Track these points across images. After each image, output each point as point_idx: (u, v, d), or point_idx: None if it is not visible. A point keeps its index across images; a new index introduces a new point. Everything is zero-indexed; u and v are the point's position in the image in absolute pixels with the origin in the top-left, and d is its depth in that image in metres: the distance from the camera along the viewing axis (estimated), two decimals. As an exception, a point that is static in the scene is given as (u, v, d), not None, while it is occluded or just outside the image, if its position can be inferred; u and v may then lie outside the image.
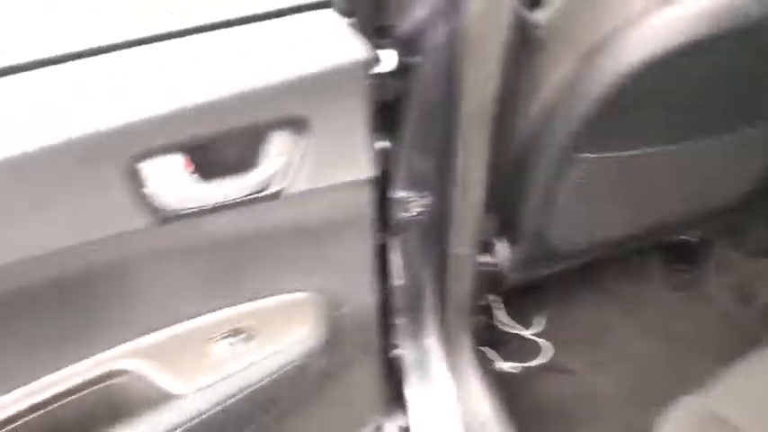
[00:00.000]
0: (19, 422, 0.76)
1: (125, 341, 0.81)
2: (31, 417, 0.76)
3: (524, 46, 1.10)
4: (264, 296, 0.90)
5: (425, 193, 1.15)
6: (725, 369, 1.01)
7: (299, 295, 0.92)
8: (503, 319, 1.63)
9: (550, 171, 1.20)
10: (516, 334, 1.63)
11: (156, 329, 0.83)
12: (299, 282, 0.92)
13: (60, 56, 0.70)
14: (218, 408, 0.82)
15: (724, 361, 1.02)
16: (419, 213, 1.16)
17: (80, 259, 0.71)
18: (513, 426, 1.29)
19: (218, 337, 0.86)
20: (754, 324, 1.60)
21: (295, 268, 0.90)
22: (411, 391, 1.32)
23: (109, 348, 0.81)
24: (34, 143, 0.63)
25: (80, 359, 0.79)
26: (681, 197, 1.33)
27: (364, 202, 0.89)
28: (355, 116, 0.83)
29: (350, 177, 0.85)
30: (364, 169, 0.86)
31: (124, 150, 0.68)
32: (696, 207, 1.38)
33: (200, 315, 0.86)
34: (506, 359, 1.56)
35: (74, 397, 0.79)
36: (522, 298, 1.61)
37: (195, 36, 0.76)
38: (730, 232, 1.74)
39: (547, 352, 1.59)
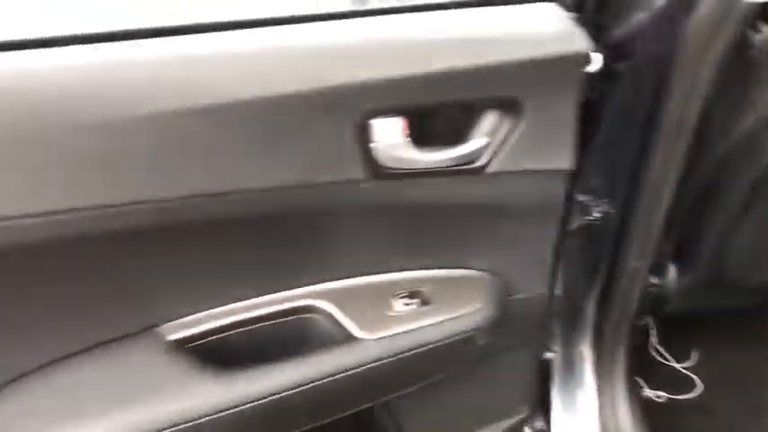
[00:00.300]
0: (222, 335, 0.85)
1: (321, 282, 0.89)
2: (232, 332, 0.86)
3: (736, 65, 1.07)
4: (447, 267, 0.94)
5: (607, 200, 1.16)
6: None
7: (478, 273, 0.96)
8: (657, 346, 1.58)
9: (742, 197, 1.16)
10: (667, 364, 1.58)
11: (348, 277, 0.90)
12: (481, 260, 0.96)
13: (324, 14, 0.78)
14: (393, 359, 0.87)
15: None
16: (597, 219, 1.16)
17: (299, 198, 0.79)
18: None
19: (398, 296, 0.91)
20: None
21: (479, 246, 0.94)
22: (556, 396, 1.32)
23: (306, 286, 0.88)
24: (287, 87, 0.72)
25: (281, 290, 0.87)
26: None
27: (558, 193, 0.92)
28: (566, 106, 0.85)
29: (550, 166, 0.88)
30: (565, 160, 0.88)
31: (360, 105, 0.75)
32: None
33: (386, 272, 0.92)
34: (652, 387, 1.51)
35: (271, 322, 0.87)
36: (677, 329, 1.56)
37: (435, 12, 0.82)
38: None
39: (696, 388, 1.53)
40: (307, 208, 0.81)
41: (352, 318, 0.88)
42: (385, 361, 0.87)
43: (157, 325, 0.83)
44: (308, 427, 0.92)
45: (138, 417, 0.78)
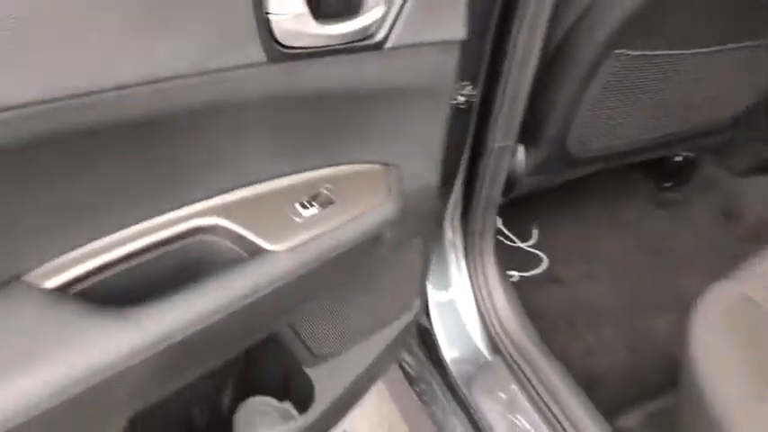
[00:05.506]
0: (110, 272, 0.70)
1: (210, 196, 0.76)
2: (117, 268, 0.70)
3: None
4: (346, 162, 0.86)
5: (470, 83, 1.14)
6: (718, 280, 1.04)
7: (377, 166, 0.89)
8: (501, 227, 1.65)
9: (584, 68, 1.20)
10: (513, 245, 1.66)
11: (241, 186, 0.78)
12: (379, 151, 0.88)
13: None
14: (308, 268, 0.78)
15: (710, 275, 1.05)
16: (462, 103, 1.14)
17: (183, 92, 0.64)
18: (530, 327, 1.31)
19: (300, 200, 0.82)
20: (739, 240, 1.70)
21: (377, 136, 0.87)
22: (431, 290, 1.32)
23: (194, 202, 0.75)
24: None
25: (165, 211, 0.73)
26: (696, 107, 1.38)
27: (450, 66, 0.86)
28: None
29: (445, 36, 0.82)
30: (456, 30, 0.83)
31: None
32: (703, 119, 1.43)
33: (284, 175, 0.81)
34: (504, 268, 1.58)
35: (162, 250, 0.73)
36: (515, 209, 1.64)
37: None
38: (715, 151, 1.82)
39: (542, 263, 1.63)
40: (192, 104, 0.67)
41: (259, 229, 0.77)
42: (300, 273, 0.78)
43: (23, 274, 0.65)
44: (229, 356, 0.81)
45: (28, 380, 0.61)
